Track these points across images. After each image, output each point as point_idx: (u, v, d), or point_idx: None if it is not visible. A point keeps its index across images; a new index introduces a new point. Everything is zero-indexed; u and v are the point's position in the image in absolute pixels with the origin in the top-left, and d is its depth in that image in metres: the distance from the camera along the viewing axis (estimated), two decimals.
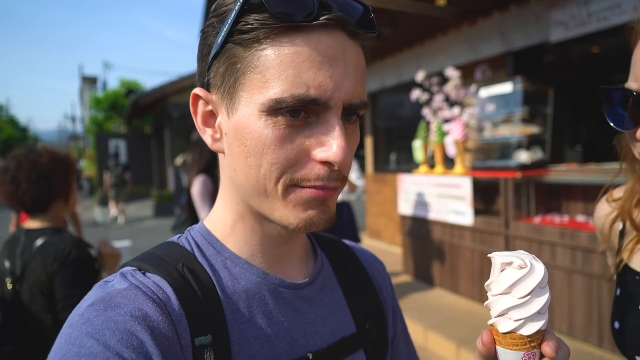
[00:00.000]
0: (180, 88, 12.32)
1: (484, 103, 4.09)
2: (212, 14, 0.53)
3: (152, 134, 17.67)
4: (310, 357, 0.58)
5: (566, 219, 3.38)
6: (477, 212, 3.95)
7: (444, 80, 4.25)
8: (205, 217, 0.63)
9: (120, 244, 2.28)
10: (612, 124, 0.76)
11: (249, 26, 0.48)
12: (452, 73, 4.13)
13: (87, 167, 21.67)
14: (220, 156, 0.59)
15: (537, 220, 3.46)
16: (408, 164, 5.96)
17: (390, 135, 6.90)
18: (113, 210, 11.62)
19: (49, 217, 1.66)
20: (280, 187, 0.51)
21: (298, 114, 0.49)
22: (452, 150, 4.18)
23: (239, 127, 0.51)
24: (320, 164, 0.50)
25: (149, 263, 0.54)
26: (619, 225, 0.91)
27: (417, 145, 4.58)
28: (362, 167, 7.13)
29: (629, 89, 0.73)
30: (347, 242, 0.78)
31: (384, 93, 6.58)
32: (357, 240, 4.21)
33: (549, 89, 3.82)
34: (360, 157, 8.02)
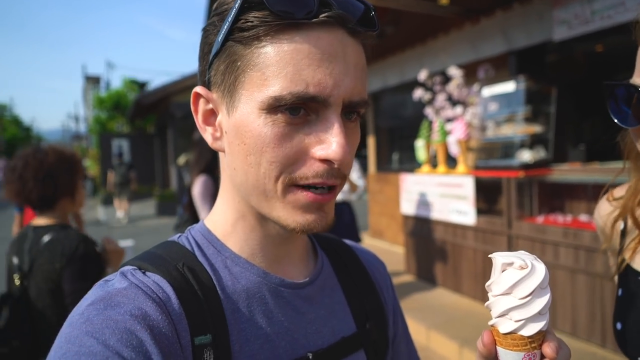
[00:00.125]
0: (182, 87, 12.33)
1: (487, 102, 4.07)
2: (213, 13, 0.53)
3: (154, 133, 17.71)
4: (310, 357, 0.58)
5: (569, 218, 3.37)
6: (480, 212, 3.94)
7: (447, 79, 4.24)
8: (205, 217, 0.63)
9: (123, 243, 2.29)
10: (616, 121, 0.75)
11: (248, 23, 0.48)
12: (455, 72, 4.12)
13: (90, 166, 21.74)
14: (221, 155, 0.59)
15: (540, 219, 3.45)
16: (410, 163, 5.95)
17: (393, 134, 6.89)
18: (119, 211, 11.62)
19: (55, 214, 1.70)
20: (279, 186, 0.50)
21: (297, 111, 0.48)
22: (454, 150, 4.17)
23: (239, 125, 0.51)
24: (319, 161, 0.50)
25: (148, 262, 0.54)
26: (620, 225, 0.90)
27: (420, 144, 4.57)
28: (364, 166, 7.12)
29: (633, 84, 0.72)
30: (347, 241, 0.77)
31: (386, 92, 6.57)
32: (358, 239, 4.20)
33: (551, 87, 3.81)
34: (362, 157, 8.01)
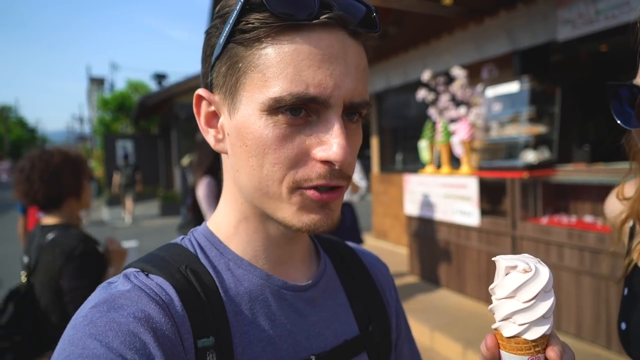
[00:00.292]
0: (186, 88, 12.38)
1: (490, 102, 4.06)
2: (216, 15, 0.54)
3: (158, 134, 17.78)
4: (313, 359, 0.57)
5: (574, 219, 3.35)
6: (484, 213, 3.93)
7: (450, 80, 4.23)
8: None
9: (127, 244, 2.29)
10: (619, 122, 0.75)
11: (249, 25, 0.48)
12: (458, 72, 4.11)
13: (94, 167, 21.86)
14: (223, 157, 0.59)
15: (544, 220, 3.44)
16: (414, 164, 5.94)
17: (396, 135, 6.89)
18: (127, 212, 11.62)
19: (62, 213, 1.75)
20: (284, 189, 0.50)
21: (298, 112, 0.48)
22: (458, 150, 4.16)
23: (240, 126, 0.51)
24: (321, 163, 0.50)
25: (151, 264, 0.54)
26: (629, 225, 0.90)
27: (423, 145, 4.56)
28: (368, 167, 7.12)
29: (637, 85, 0.71)
30: (350, 243, 0.77)
31: (390, 92, 6.57)
32: (359, 241, 4.20)
33: (555, 88, 3.79)
34: (365, 157, 8.01)
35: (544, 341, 0.47)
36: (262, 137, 0.49)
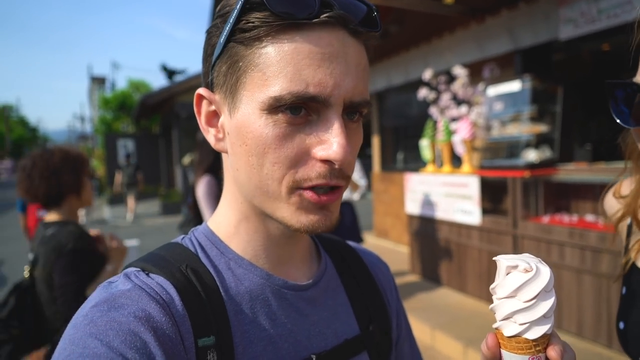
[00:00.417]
0: (187, 87, 12.38)
1: (492, 101, 4.05)
2: (216, 14, 0.54)
3: (159, 133, 17.78)
4: (314, 359, 0.57)
5: (575, 218, 3.34)
6: (485, 211, 3.93)
7: (451, 79, 4.23)
8: (209, 218, 0.63)
9: (128, 243, 2.30)
10: (618, 121, 0.74)
11: (249, 24, 0.48)
12: (460, 71, 4.10)
13: (95, 166, 21.89)
14: (224, 156, 0.59)
15: (546, 219, 3.43)
16: (415, 163, 5.93)
17: (397, 133, 6.88)
18: (130, 211, 11.62)
19: (62, 210, 1.79)
20: (283, 188, 0.50)
21: (298, 110, 0.48)
22: (459, 149, 4.16)
23: (240, 125, 0.51)
24: (321, 162, 0.49)
25: (152, 264, 0.54)
26: (626, 223, 0.90)
27: (424, 144, 4.56)
28: (369, 166, 7.12)
29: (636, 83, 0.71)
30: (350, 243, 0.77)
31: (391, 91, 6.56)
32: (360, 240, 4.20)
33: (557, 87, 3.78)
34: (367, 156, 8.00)
35: (545, 340, 0.47)
36: (262, 136, 0.49)
